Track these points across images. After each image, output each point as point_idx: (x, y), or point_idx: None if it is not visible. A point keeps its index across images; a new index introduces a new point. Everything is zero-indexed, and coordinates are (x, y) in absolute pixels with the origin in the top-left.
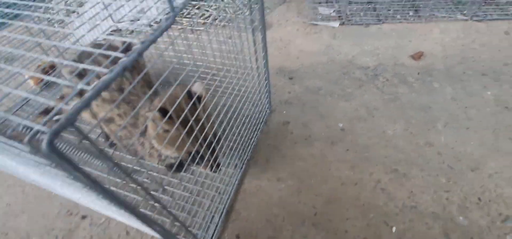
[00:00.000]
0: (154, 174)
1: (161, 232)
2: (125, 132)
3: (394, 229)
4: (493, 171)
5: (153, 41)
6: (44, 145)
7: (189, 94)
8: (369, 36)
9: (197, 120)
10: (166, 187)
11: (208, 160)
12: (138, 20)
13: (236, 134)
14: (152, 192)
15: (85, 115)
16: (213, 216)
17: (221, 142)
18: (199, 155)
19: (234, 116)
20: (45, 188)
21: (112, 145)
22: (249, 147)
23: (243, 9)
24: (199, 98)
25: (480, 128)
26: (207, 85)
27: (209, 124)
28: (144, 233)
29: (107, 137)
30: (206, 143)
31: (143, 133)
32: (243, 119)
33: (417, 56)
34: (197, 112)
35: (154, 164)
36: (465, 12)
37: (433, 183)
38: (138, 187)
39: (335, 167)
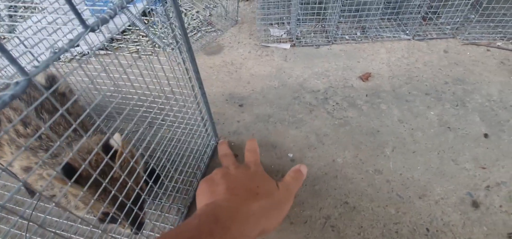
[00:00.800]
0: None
1: None
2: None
3: None
4: (439, 197)
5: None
6: None
7: (106, 148)
8: (320, 57)
9: (115, 179)
10: None
11: (132, 219)
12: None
13: (178, 172)
14: None
15: None
16: None
17: (145, 197)
18: (122, 214)
19: (177, 151)
20: None
21: (33, 194)
22: (192, 188)
23: (169, 40)
24: (115, 153)
25: (425, 151)
26: (141, 119)
27: (133, 177)
28: None
29: (27, 189)
30: (127, 201)
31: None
32: (187, 154)
33: (365, 77)
34: (113, 170)
35: (83, 215)
36: (407, 31)
37: (383, 215)
38: None
39: None
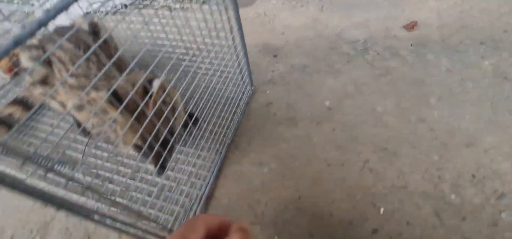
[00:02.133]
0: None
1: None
2: (96, 119)
3: (382, 210)
4: (489, 146)
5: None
6: None
7: (146, 86)
8: (359, 7)
9: (154, 115)
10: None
11: (157, 157)
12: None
13: (216, 117)
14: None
15: (54, 104)
16: (192, 204)
17: (174, 143)
18: (154, 150)
19: (213, 98)
20: None
21: (86, 133)
22: (230, 130)
23: None
24: (150, 95)
25: (476, 101)
26: (187, 67)
27: (161, 120)
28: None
29: (79, 125)
30: (158, 140)
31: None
32: (223, 101)
33: (411, 26)
34: (143, 104)
35: (129, 151)
36: None
37: (425, 161)
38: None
39: (320, 148)
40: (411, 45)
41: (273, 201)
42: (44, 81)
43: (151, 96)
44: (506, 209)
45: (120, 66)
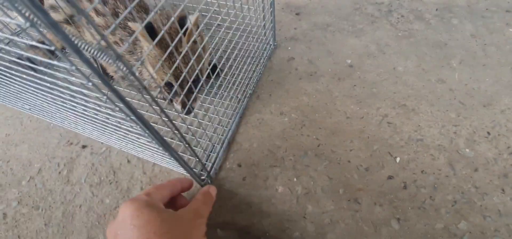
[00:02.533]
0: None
1: (174, 155)
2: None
3: (398, 159)
4: (506, 107)
5: None
6: None
7: (181, 22)
8: None
9: (181, 51)
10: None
11: (185, 96)
12: None
13: (239, 68)
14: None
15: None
16: (214, 146)
17: (201, 85)
18: (183, 88)
19: (237, 51)
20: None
21: (109, 76)
22: (252, 82)
23: None
24: (186, 30)
25: (497, 65)
26: (212, 19)
27: (195, 56)
28: (145, 160)
29: (103, 69)
30: (188, 78)
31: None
32: (247, 54)
33: None
34: (177, 38)
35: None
36: None
37: (442, 117)
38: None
39: (340, 102)
40: (436, 9)
41: (293, 147)
42: (68, 22)
43: (186, 30)
44: None
45: (146, 9)
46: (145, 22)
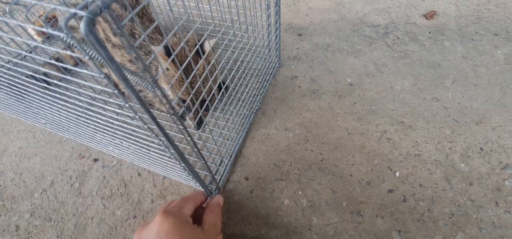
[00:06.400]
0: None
1: (192, 171)
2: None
3: (397, 173)
4: (497, 124)
5: None
6: (82, 25)
7: (196, 45)
8: None
9: (196, 71)
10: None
11: (196, 112)
12: None
13: (245, 85)
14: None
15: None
16: (222, 160)
17: (212, 102)
18: (196, 105)
19: (243, 69)
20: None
21: (122, 93)
22: (258, 98)
23: None
24: (203, 52)
25: (487, 85)
26: (219, 40)
27: (203, 77)
28: (155, 174)
29: (116, 85)
30: (206, 96)
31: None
32: (253, 72)
33: (430, 15)
34: (189, 57)
35: (164, 111)
36: None
37: (438, 134)
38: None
39: (342, 119)
40: (429, 32)
41: (297, 162)
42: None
43: (202, 54)
44: (510, 177)
45: (159, 31)
46: (163, 43)
